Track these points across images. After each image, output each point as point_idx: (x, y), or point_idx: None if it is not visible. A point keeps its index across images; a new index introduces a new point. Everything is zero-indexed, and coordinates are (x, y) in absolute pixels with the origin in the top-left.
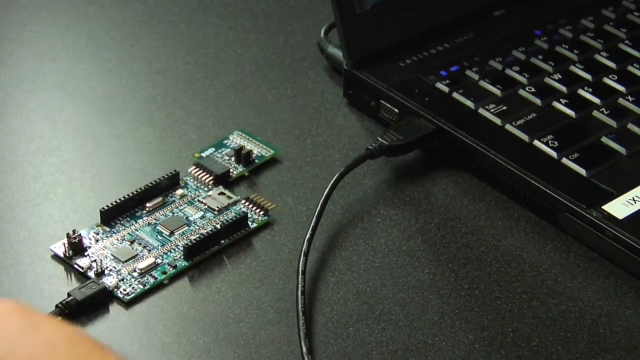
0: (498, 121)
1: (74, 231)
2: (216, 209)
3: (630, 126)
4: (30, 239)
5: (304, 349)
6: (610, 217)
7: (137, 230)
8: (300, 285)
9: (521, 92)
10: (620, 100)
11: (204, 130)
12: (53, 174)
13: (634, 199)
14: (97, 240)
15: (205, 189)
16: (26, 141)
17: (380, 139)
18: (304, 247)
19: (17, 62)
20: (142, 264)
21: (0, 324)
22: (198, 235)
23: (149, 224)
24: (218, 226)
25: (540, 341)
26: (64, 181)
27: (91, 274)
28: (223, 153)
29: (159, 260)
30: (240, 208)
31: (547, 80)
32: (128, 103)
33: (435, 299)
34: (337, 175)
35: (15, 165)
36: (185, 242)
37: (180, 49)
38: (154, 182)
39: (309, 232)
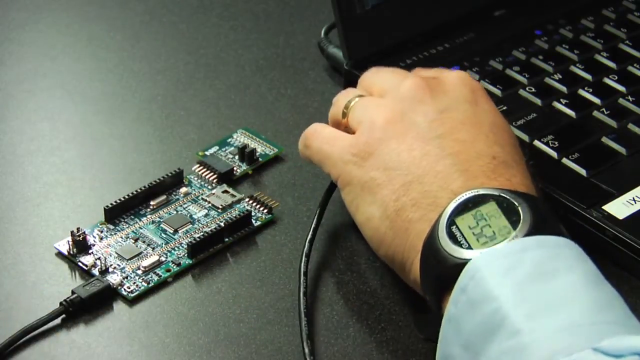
0: None
1: (78, 229)
2: (220, 207)
3: (631, 126)
4: (31, 238)
5: (306, 350)
6: (610, 217)
7: (141, 228)
8: (302, 287)
9: (521, 92)
10: (621, 101)
11: (204, 130)
12: (53, 173)
13: (634, 199)
14: (101, 238)
15: (209, 187)
16: (27, 141)
17: None
18: (305, 248)
19: (18, 62)
20: (146, 262)
21: (455, 87)
22: (202, 233)
23: (153, 222)
24: (222, 224)
25: None
26: (65, 181)
27: (95, 271)
28: (227, 151)
29: (163, 258)
30: (244, 206)
31: (548, 80)
32: (128, 103)
33: None
34: None
35: (15, 165)
36: (189, 240)
37: (181, 49)
38: (158, 180)
39: (310, 233)
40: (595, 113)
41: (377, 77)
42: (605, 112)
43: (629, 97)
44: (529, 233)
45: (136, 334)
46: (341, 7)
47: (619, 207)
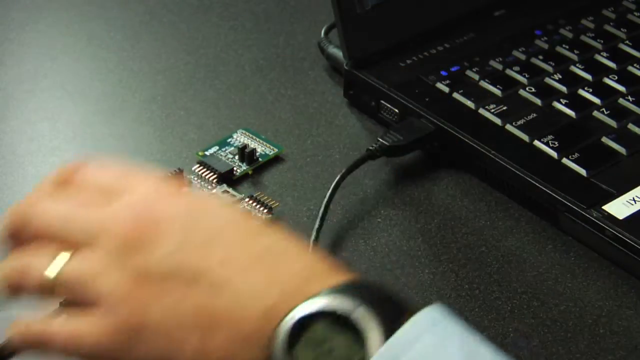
0: (498, 121)
1: None
2: None
3: (631, 126)
4: None
5: None
6: (610, 217)
7: None
8: None
9: (521, 92)
10: (621, 101)
11: (204, 130)
12: None
13: (634, 199)
14: None
15: (209, 187)
16: (27, 141)
17: (380, 140)
18: (309, 249)
19: (18, 62)
20: None
21: (171, 206)
22: None
23: None
24: None
25: (540, 341)
26: None
27: None
28: (227, 151)
29: None
30: (244, 206)
31: (548, 80)
32: (128, 103)
33: (435, 299)
34: (338, 176)
35: (15, 165)
36: None
37: (181, 49)
38: None
39: (314, 234)
40: (595, 113)
41: (52, 222)
42: (605, 112)
43: (629, 97)
44: (383, 332)
45: None
46: (341, 7)
47: (619, 207)
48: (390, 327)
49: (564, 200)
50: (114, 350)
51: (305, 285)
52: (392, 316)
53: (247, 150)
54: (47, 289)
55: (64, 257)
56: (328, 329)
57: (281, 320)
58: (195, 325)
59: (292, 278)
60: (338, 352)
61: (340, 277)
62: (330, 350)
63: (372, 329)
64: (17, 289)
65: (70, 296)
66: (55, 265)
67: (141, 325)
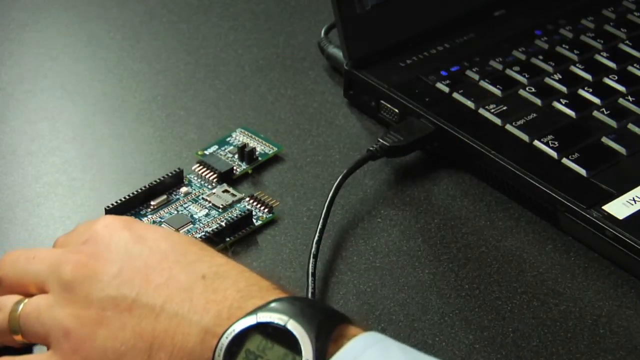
0: (498, 121)
1: None
2: (220, 206)
3: (631, 126)
4: (31, 239)
5: None
6: (610, 217)
7: None
8: (310, 287)
9: (521, 92)
10: (621, 101)
11: (204, 130)
12: (54, 174)
13: (634, 199)
14: None
15: (209, 186)
16: (27, 141)
17: (381, 140)
18: (313, 249)
19: (18, 62)
20: None
21: (111, 239)
22: (203, 233)
23: (154, 222)
24: (223, 224)
25: (540, 341)
26: (65, 181)
27: None
28: (226, 150)
29: None
30: (245, 206)
31: (548, 80)
32: (128, 103)
33: (435, 299)
34: (340, 177)
35: (15, 165)
36: None
37: (181, 49)
38: (158, 180)
39: (317, 234)
40: (595, 113)
41: (20, 268)
42: (605, 112)
43: (629, 97)
44: (316, 341)
45: None
46: (341, 7)
47: (619, 207)
48: (323, 337)
49: (564, 200)
50: None
51: (242, 303)
52: (325, 327)
53: (246, 149)
54: (11, 327)
55: (20, 302)
56: (265, 341)
57: (221, 336)
58: (139, 349)
59: (230, 297)
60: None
61: (276, 295)
62: None
63: (304, 340)
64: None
65: (27, 335)
66: (16, 306)
67: (86, 358)
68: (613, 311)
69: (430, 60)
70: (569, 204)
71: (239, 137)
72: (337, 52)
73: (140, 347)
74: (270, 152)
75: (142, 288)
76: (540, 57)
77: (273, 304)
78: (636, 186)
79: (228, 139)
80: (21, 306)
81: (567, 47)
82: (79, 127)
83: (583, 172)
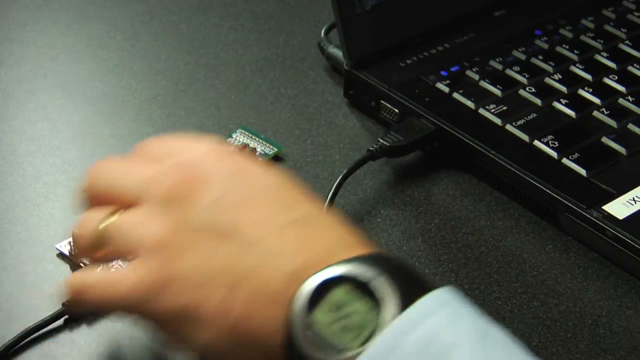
0: (498, 121)
1: None
2: None
3: (631, 126)
4: (31, 239)
5: None
6: (610, 217)
7: None
8: None
9: (521, 92)
10: (621, 101)
11: (204, 130)
12: (54, 174)
13: (634, 199)
14: None
15: None
16: (27, 141)
17: (381, 140)
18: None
19: (18, 62)
20: None
21: (215, 165)
22: None
23: None
24: None
25: (540, 341)
26: (65, 181)
27: None
28: None
29: None
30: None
31: (548, 80)
32: (128, 103)
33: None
34: (340, 177)
35: (15, 166)
36: None
37: (181, 49)
38: None
39: None
40: (595, 113)
41: (112, 181)
42: (605, 112)
43: (629, 97)
44: (400, 303)
45: (137, 334)
46: (341, 7)
47: (619, 207)
48: (406, 299)
49: (564, 200)
50: (143, 300)
51: (332, 253)
52: (410, 290)
53: (247, 149)
54: (98, 240)
55: (110, 215)
56: (348, 294)
57: (304, 283)
58: (221, 281)
59: (321, 245)
60: (354, 318)
61: (366, 250)
62: (347, 315)
63: (388, 299)
64: (78, 239)
65: (115, 247)
66: (106, 219)
67: (170, 275)
68: (613, 311)
69: (430, 60)
70: (569, 204)
71: (239, 137)
72: (337, 52)
73: (223, 280)
74: (271, 152)
75: (239, 220)
76: (540, 57)
77: (361, 259)
78: (636, 186)
79: (228, 139)
80: (113, 218)
81: (567, 47)
82: (79, 127)
83: (583, 172)
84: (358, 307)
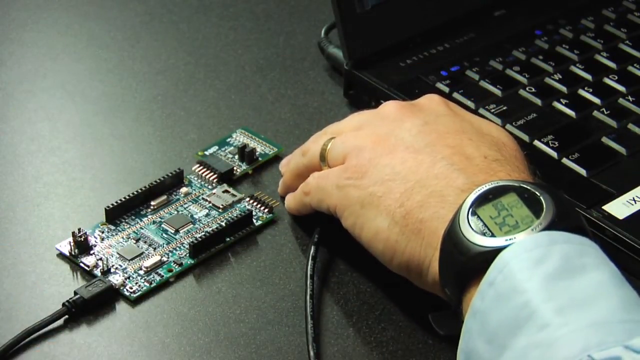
0: (498, 121)
1: (79, 229)
2: (221, 206)
3: (631, 126)
4: (32, 239)
5: (312, 353)
6: (610, 217)
7: (142, 229)
8: (309, 289)
9: (521, 92)
10: (621, 101)
11: (204, 130)
12: (54, 174)
13: (634, 199)
14: (102, 239)
15: (210, 187)
16: (27, 141)
17: None
18: (312, 251)
19: (18, 62)
20: (148, 262)
21: (429, 105)
22: (203, 233)
23: (154, 222)
24: (223, 224)
25: None
26: (65, 181)
27: (97, 272)
28: (226, 151)
29: (164, 258)
30: (245, 206)
31: (548, 80)
32: (128, 103)
33: (436, 299)
34: None
35: (15, 165)
36: (191, 240)
37: (181, 49)
38: (158, 181)
39: (316, 235)
40: (595, 113)
41: (345, 120)
42: (605, 112)
43: (629, 97)
44: (553, 222)
45: (136, 334)
46: (341, 7)
47: (619, 207)
48: (563, 221)
49: None
50: (347, 183)
51: (510, 172)
52: (565, 214)
53: (247, 149)
54: (322, 153)
55: (331, 139)
56: (518, 201)
57: (483, 183)
58: (406, 179)
59: (500, 175)
60: (514, 217)
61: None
62: (508, 215)
63: (548, 211)
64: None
65: (335, 154)
66: (321, 144)
67: (369, 166)
68: None
69: (430, 60)
70: None
71: (239, 137)
72: (337, 52)
73: (407, 178)
74: (271, 152)
75: (433, 144)
76: (540, 57)
77: (537, 184)
78: (636, 186)
79: (228, 139)
80: (331, 141)
81: (567, 47)
82: (79, 127)
83: (583, 172)
84: (521, 212)
